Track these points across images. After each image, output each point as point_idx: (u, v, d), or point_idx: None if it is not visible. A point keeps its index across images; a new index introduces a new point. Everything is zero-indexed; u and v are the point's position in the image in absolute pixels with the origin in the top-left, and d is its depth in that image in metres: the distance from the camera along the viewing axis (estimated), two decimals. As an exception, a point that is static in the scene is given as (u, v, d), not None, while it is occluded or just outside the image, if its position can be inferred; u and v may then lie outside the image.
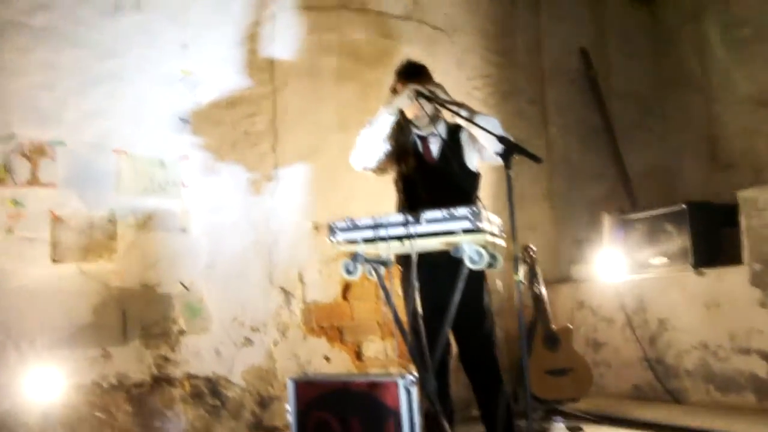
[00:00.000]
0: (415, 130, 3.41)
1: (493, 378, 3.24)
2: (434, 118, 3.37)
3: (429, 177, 3.33)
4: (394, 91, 3.42)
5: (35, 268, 3.87)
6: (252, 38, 4.61)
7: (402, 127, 3.40)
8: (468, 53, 5.37)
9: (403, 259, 3.32)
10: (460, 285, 2.74)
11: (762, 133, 5.29)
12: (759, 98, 5.32)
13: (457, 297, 2.77)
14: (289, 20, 4.74)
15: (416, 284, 2.98)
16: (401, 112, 3.33)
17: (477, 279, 2.94)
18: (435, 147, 3.41)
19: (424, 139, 3.42)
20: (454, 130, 3.39)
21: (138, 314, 4.11)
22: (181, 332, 4.20)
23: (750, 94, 5.38)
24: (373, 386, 2.27)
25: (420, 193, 3.28)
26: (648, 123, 6.11)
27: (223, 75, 4.48)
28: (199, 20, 4.43)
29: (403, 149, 3.39)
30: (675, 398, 4.48)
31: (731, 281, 4.22)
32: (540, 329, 4.41)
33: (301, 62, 4.75)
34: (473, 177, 3.40)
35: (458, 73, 5.29)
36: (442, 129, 3.38)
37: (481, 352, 3.17)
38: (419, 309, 2.99)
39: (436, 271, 2.88)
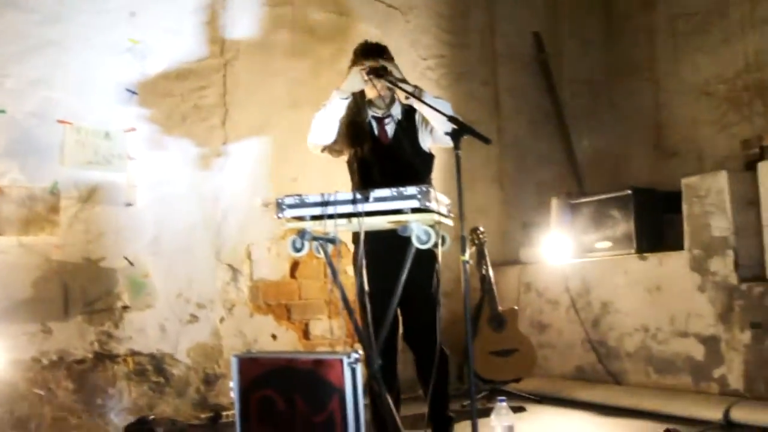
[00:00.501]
0: (371, 112, 3.38)
1: (436, 355, 3.26)
2: (391, 100, 3.34)
3: (383, 159, 3.30)
4: (382, 65, 3.26)
5: (-27, 240, 3.76)
6: (204, 9, 4.52)
7: (359, 108, 3.36)
8: (422, 33, 5.36)
9: (355, 237, 3.31)
10: (408, 264, 2.75)
11: (705, 123, 5.41)
12: (703, 88, 5.43)
13: (404, 276, 2.77)
14: (242, -8, 4.65)
15: (365, 262, 2.99)
16: (359, 93, 3.29)
17: (428, 258, 2.93)
18: (390, 128, 3.38)
19: (380, 121, 3.39)
20: (408, 112, 3.37)
21: (80, 289, 4.03)
22: (125, 308, 4.14)
23: (695, 83, 5.49)
24: (318, 364, 2.27)
25: (374, 175, 3.26)
26: (597, 109, 6.19)
27: (172, 46, 4.39)
28: (149, -12, 4.32)
29: (359, 130, 3.35)
30: (616, 379, 4.58)
31: (672, 266, 4.32)
32: (486, 310, 4.46)
33: (254, 36, 4.68)
34: (427, 158, 3.39)
35: (412, 53, 5.28)
36: (397, 110, 3.36)
37: (427, 331, 3.17)
38: (367, 287, 2.99)
39: (386, 250, 2.86)
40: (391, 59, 3.28)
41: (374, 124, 3.38)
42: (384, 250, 2.89)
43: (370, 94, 3.28)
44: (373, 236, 2.89)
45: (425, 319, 3.15)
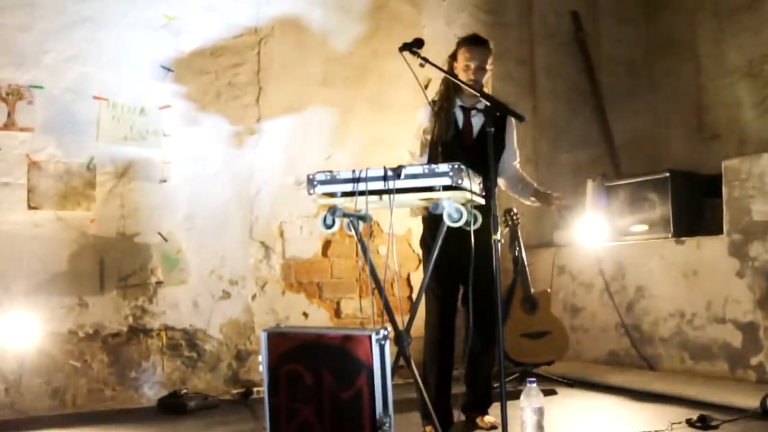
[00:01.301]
0: (458, 101, 3.36)
1: (488, 341, 3.31)
2: (480, 89, 3.31)
3: (463, 156, 3.27)
4: (453, 57, 3.37)
5: (11, 214, 3.84)
6: (238, -14, 4.52)
7: (449, 94, 3.36)
8: (458, 11, 5.29)
9: (424, 219, 3.34)
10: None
11: (748, 105, 5.27)
12: (747, 69, 5.29)
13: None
14: (277, -31, 4.64)
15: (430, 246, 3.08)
16: (450, 80, 3.28)
17: (490, 247, 2.89)
18: (477, 123, 3.36)
19: (466, 111, 3.37)
20: (500, 118, 3.31)
21: (116, 264, 4.09)
22: (159, 283, 4.19)
23: (738, 64, 5.35)
24: (346, 339, 2.26)
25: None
26: (636, 90, 6.06)
27: (207, 22, 4.40)
28: (185, -36, 4.33)
29: (446, 117, 3.35)
30: (649, 365, 4.53)
31: (710, 251, 4.23)
32: (519, 292, 4.42)
33: (289, 13, 4.67)
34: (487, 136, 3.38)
35: (447, 31, 5.21)
36: (483, 107, 3.33)
37: (489, 315, 3.15)
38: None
39: (458, 235, 2.83)
40: (490, 53, 3.36)
41: (460, 114, 3.35)
42: (449, 235, 2.83)
43: (464, 76, 3.27)
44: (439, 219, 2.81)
45: (488, 303, 3.10)
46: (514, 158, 3.52)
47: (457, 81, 3.18)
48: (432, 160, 3.37)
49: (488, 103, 2.85)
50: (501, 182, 3.56)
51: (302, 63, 4.68)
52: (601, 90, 5.80)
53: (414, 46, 3.07)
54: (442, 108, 3.36)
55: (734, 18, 5.39)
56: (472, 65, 3.27)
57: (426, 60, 3.04)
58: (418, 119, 3.42)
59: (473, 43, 3.35)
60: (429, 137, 3.38)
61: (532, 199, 3.51)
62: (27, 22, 3.91)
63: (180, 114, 4.29)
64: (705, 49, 5.63)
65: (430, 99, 3.38)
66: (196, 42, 4.37)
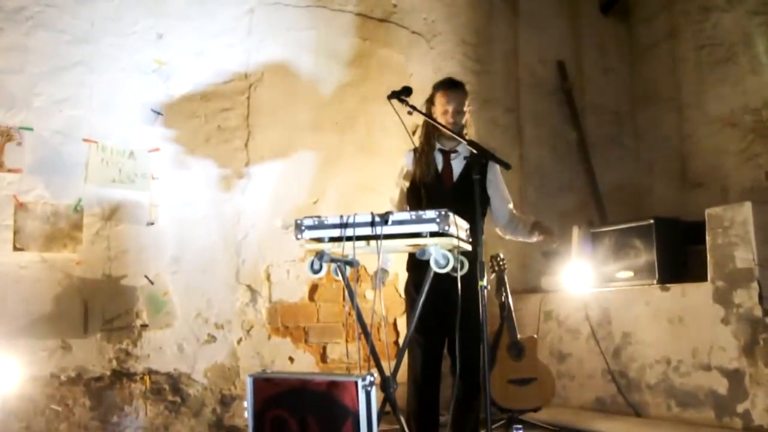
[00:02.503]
0: (438, 144, 3.40)
1: (474, 388, 3.28)
2: (459, 131, 3.35)
3: (441, 200, 3.28)
4: (430, 101, 3.44)
5: (-4, 255, 3.81)
6: (229, 32, 4.58)
7: (429, 137, 3.40)
8: (446, 59, 5.37)
9: (409, 264, 3.33)
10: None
11: (730, 153, 5.36)
12: (729, 119, 5.39)
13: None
14: (267, 16, 4.71)
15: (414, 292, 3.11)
16: (430, 124, 3.33)
17: (477, 295, 2.88)
18: (457, 165, 3.40)
19: (446, 155, 3.41)
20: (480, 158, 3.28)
21: (100, 306, 4.06)
22: (144, 326, 4.15)
23: (720, 114, 5.45)
24: (332, 386, 2.25)
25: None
26: (621, 138, 6.16)
27: (197, 68, 4.44)
28: (176, 11, 4.40)
29: (425, 160, 3.38)
30: (636, 412, 4.50)
31: (695, 297, 4.25)
32: (505, 338, 4.41)
33: (278, 59, 4.73)
34: (487, 202, 3.45)
35: (435, 78, 5.21)
36: (464, 149, 3.36)
37: (473, 368, 3.13)
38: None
39: (437, 282, 2.82)
40: (465, 96, 3.45)
41: (440, 158, 3.39)
42: (434, 282, 2.82)
43: (443, 119, 3.32)
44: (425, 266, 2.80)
45: (473, 351, 3.08)
46: (505, 203, 3.54)
47: (438, 125, 3.23)
48: (412, 203, 3.39)
49: (474, 150, 2.89)
50: (500, 230, 3.59)
51: (291, 108, 4.72)
52: (586, 138, 5.88)
53: (402, 94, 3.12)
54: (422, 152, 3.41)
55: (715, 69, 5.52)
56: (450, 109, 3.34)
57: (414, 108, 3.09)
58: (400, 165, 3.47)
59: (449, 86, 3.43)
60: (406, 183, 3.42)
61: (536, 234, 3.51)
62: (19, 65, 3.95)
63: (169, 157, 4.30)
64: (687, 99, 5.75)
65: (415, 146, 3.44)
66: (187, 86, 4.41)
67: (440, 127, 3.24)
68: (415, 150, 3.45)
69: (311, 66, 4.84)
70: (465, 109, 3.41)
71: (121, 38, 4.23)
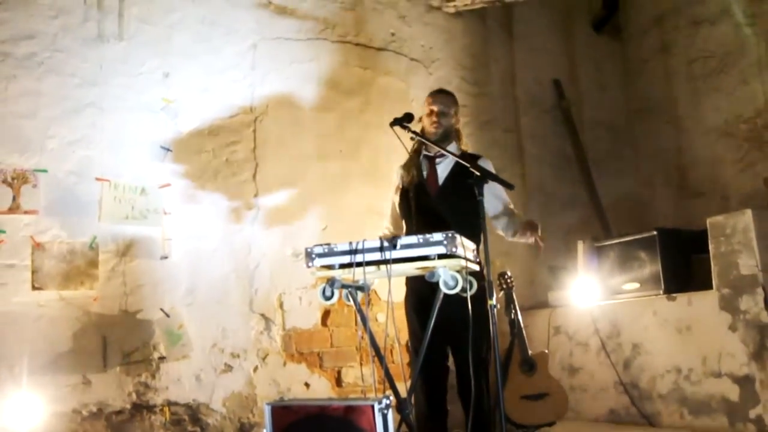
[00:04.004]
0: (424, 151, 3.44)
1: (482, 401, 3.25)
2: (446, 135, 3.39)
3: (431, 200, 3.31)
4: (406, 113, 3.47)
5: (16, 295, 3.83)
6: (233, 68, 4.63)
7: (418, 146, 3.44)
8: (445, 84, 5.37)
9: (411, 283, 3.34)
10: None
11: (727, 162, 5.37)
12: (724, 129, 5.41)
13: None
14: (269, 50, 4.76)
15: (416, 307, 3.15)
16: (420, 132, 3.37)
17: (483, 317, 2.84)
18: (442, 170, 3.41)
19: (431, 160, 3.42)
20: (470, 158, 3.32)
21: (118, 341, 4.06)
22: (162, 359, 4.15)
23: (715, 124, 5.47)
24: (349, 410, 2.25)
25: (412, 221, 3.30)
26: (620, 152, 6.18)
27: (204, 104, 4.49)
28: (181, 50, 4.45)
29: (411, 167, 3.42)
30: (650, 422, 4.47)
31: (701, 306, 4.24)
32: (516, 354, 4.40)
33: (282, 92, 4.77)
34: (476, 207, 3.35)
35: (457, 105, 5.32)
36: (453, 148, 3.41)
37: (476, 377, 3.11)
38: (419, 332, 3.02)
39: (436, 297, 2.80)
40: (452, 101, 3.52)
41: (425, 163, 3.41)
42: (432, 296, 2.80)
43: (428, 127, 3.41)
44: (425, 281, 2.79)
45: (473, 375, 3.06)
46: (501, 204, 3.56)
47: (424, 140, 3.27)
48: (403, 211, 3.42)
49: (460, 160, 2.93)
50: (497, 229, 3.62)
51: (297, 138, 4.76)
52: (585, 154, 5.90)
53: (404, 120, 3.16)
54: (409, 160, 3.48)
55: (708, 81, 5.54)
56: (435, 109, 3.42)
57: (416, 133, 3.13)
58: (393, 181, 3.50)
59: (435, 92, 3.57)
60: (396, 196, 3.45)
61: (518, 233, 3.51)
62: (32, 110, 3.99)
63: (180, 192, 4.33)
64: (683, 111, 5.77)
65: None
66: (194, 122, 4.45)
67: (427, 142, 3.29)
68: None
69: (314, 97, 4.88)
70: (452, 113, 3.48)
71: (129, 79, 4.28)
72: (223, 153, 4.52)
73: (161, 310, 4.18)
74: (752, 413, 3.91)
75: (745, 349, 3.96)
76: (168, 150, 4.32)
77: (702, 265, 4.34)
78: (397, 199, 3.46)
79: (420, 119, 3.52)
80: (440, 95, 3.51)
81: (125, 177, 4.17)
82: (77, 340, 3.94)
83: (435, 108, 3.40)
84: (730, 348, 4.04)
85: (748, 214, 4.02)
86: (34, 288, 3.87)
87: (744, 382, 3.97)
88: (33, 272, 3.88)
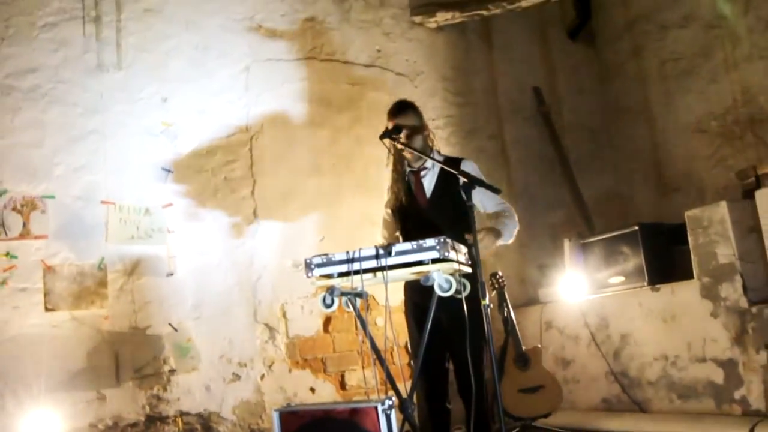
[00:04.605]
0: (407, 167, 3.42)
1: (481, 398, 3.23)
2: (424, 149, 3.35)
3: (419, 219, 3.29)
4: (386, 129, 3.37)
5: (30, 318, 3.84)
6: (228, 90, 4.65)
7: (400, 160, 3.42)
8: (430, 96, 5.44)
9: (406, 286, 3.33)
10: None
11: (702, 158, 5.41)
12: (697, 126, 5.45)
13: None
14: (262, 72, 4.79)
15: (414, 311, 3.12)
16: (395, 151, 3.35)
17: (476, 314, 2.83)
18: (428, 182, 3.38)
19: (416, 174, 3.41)
20: (453, 162, 3.31)
21: (130, 356, 4.07)
22: (172, 371, 4.16)
23: (689, 122, 5.51)
24: (354, 413, 2.26)
25: (411, 231, 3.28)
26: (599, 153, 6.21)
27: (201, 125, 4.51)
28: (177, 75, 4.47)
29: (399, 183, 3.39)
30: (641, 408, 4.49)
31: (684, 295, 4.26)
32: (511, 350, 4.42)
33: (276, 110, 4.79)
34: (466, 211, 3.15)
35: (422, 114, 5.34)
36: (438, 158, 3.34)
37: (470, 383, 3.09)
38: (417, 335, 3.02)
39: (433, 300, 2.80)
40: (413, 115, 3.38)
41: (411, 178, 3.40)
42: (431, 302, 2.80)
43: (406, 154, 3.33)
44: (422, 287, 2.76)
45: (473, 373, 3.04)
46: (492, 201, 3.42)
47: (412, 150, 3.25)
48: (400, 226, 3.41)
49: (448, 168, 2.94)
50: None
51: (292, 154, 4.78)
52: (567, 156, 5.92)
53: (393, 133, 3.17)
54: (394, 179, 3.43)
55: (679, 81, 5.59)
56: (402, 134, 3.29)
57: (405, 145, 3.14)
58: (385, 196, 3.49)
59: (393, 113, 3.39)
60: (388, 209, 3.44)
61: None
62: (38, 139, 4.01)
63: (182, 211, 4.35)
64: (657, 110, 5.81)
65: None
66: (193, 143, 4.46)
67: (414, 150, 3.26)
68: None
69: (307, 114, 4.90)
70: (417, 124, 3.35)
71: (129, 105, 4.30)
72: (222, 171, 4.54)
73: (170, 324, 4.19)
74: (737, 394, 3.93)
75: (727, 334, 3.99)
76: (169, 171, 4.34)
77: (683, 257, 4.37)
78: (388, 212, 3.46)
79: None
80: (400, 116, 3.35)
81: (129, 199, 4.18)
82: (90, 358, 3.94)
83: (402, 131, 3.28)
84: (713, 334, 4.07)
85: (723, 206, 4.05)
86: (47, 310, 3.88)
87: (728, 365, 3.99)
88: (45, 294, 3.89)
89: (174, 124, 4.41)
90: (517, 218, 3.46)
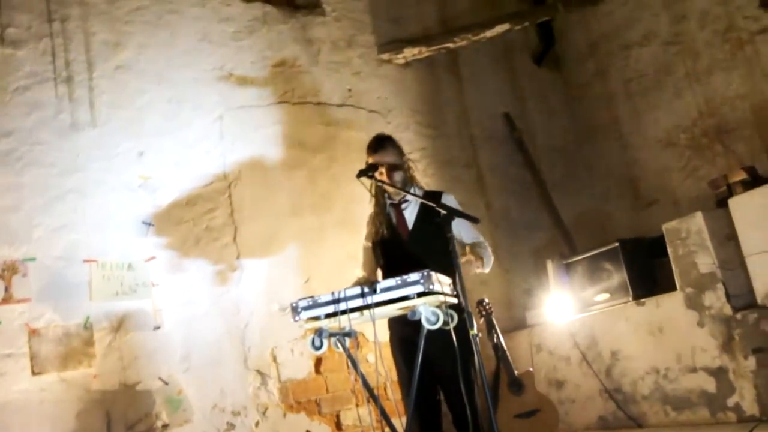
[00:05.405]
0: (388, 200, 3.42)
1: (477, 428, 3.19)
2: (403, 184, 3.34)
3: (401, 253, 3.28)
4: (367, 164, 3.38)
5: (17, 383, 3.76)
6: (203, 140, 4.66)
7: (381, 194, 3.41)
8: (403, 130, 5.48)
9: (390, 323, 3.30)
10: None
11: (674, 170, 5.50)
12: (666, 139, 5.55)
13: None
14: (235, 119, 4.81)
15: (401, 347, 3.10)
16: (376, 185, 3.35)
17: (465, 345, 2.81)
18: (409, 214, 3.36)
19: (396, 207, 3.40)
20: (433, 196, 3.32)
21: (121, 414, 3.99)
22: (165, 426, 4.08)
23: (658, 136, 5.61)
24: (351, 453, 2.23)
25: (395, 266, 3.25)
26: (574, 173, 6.29)
27: (179, 176, 4.50)
28: (152, 129, 4.48)
29: (380, 217, 3.38)
30: (637, 423, 4.48)
31: (669, 307, 4.29)
32: (504, 376, 4.40)
33: (252, 156, 4.80)
34: (448, 242, 3.11)
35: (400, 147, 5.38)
36: (416, 191, 3.34)
37: (465, 417, 3.06)
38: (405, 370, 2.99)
39: (420, 335, 2.78)
40: (390, 149, 3.37)
41: (392, 212, 3.40)
42: (417, 335, 2.78)
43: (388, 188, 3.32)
44: (406, 321, 2.74)
45: (465, 405, 3.01)
46: (467, 235, 3.41)
47: (386, 184, 3.25)
48: (378, 261, 3.39)
49: (427, 202, 2.94)
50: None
51: (271, 198, 4.78)
52: (543, 178, 5.99)
53: (369, 171, 3.19)
54: (375, 213, 3.42)
55: (645, 98, 5.70)
56: (382, 169, 3.31)
57: (381, 182, 3.16)
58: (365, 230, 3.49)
59: (372, 149, 3.39)
60: (368, 243, 3.42)
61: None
62: (16, 202, 3.97)
63: (165, 263, 4.31)
64: (626, 127, 5.91)
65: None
66: (172, 195, 4.45)
67: (393, 186, 3.26)
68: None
69: (283, 157, 4.92)
70: (396, 162, 3.35)
71: (106, 162, 4.29)
72: (203, 221, 4.52)
73: (160, 378, 4.13)
74: (730, 402, 3.95)
75: (715, 343, 4.02)
76: (150, 224, 4.31)
77: (664, 269, 4.42)
78: (369, 245, 3.44)
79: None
80: (379, 153, 3.35)
81: (112, 255, 4.14)
82: (81, 419, 3.86)
83: (382, 169, 3.30)
84: (701, 343, 4.09)
85: (699, 216, 4.11)
86: (34, 373, 3.80)
87: (718, 373, 4.01)
88: (31, 358, 3.81)
89: (152, 178, 4.40)
90: (491, 251, 3.46)
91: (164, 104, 4.57)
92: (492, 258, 3.44)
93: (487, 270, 3.44)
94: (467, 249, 3.37)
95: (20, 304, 3.85)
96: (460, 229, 3.31)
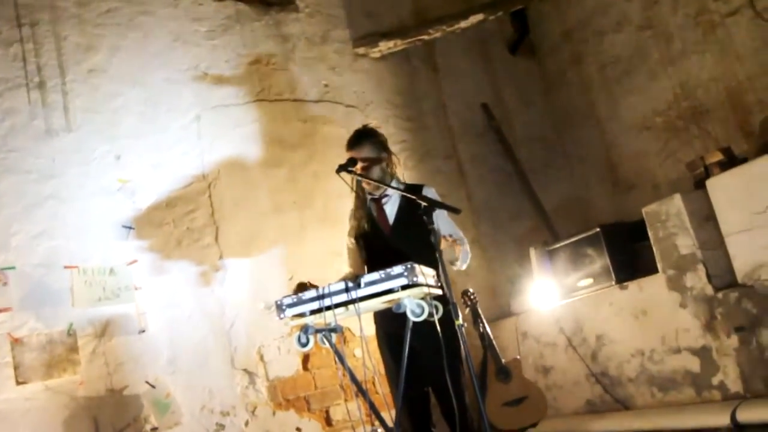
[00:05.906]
0: (368, 195, 3.40)
1: (466, 418, 3.21)
2: (383, 179, 3.32)
3: (383, 248, 3.27)
4: (349, 158, 3.34)
5: (1, 394, 3.71)
6: (180, 142, 4.62)
7: (362, 190, 3.40)
8: (382, 124, 5.45)
9: (375, 317, 3.30)
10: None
11: (652, 154, 5.54)
12: (643, 124, 5.58)
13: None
14: (212, 119, 4.77)
15: (387, 341, 3.08)
16: (357, 181, 3.34)
17: (451, 336, 2.82)
18: (390, 210, 3.35)
19: (377, 202, 3.39)
20: (414, 189, 3.31)
21: (109, 420, 3.96)
22: (154, 429, 4.06)
23: (635, 121, 5.64)
24: (341, 448, 2.23)
25: (375, 261, 3.25)
26: (553, 161, 6.31)
27: (158, 178, 4.46)
28: (129, 132, 4.44)
29: (362, 212, 3.37)
30: (624, 405, 4.52)
31: (652, 290, 4.33)
32: (491, 365, 4.42)
33: (231, 155, 4.77)
34: (429, 234, 3.06)
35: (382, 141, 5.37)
36: (394, 184, 3.32)
37: (457, 396, 3.07)
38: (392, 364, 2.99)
39: (406, 328, 2.77)
40: (369, 144, 3.34)
41: (373, 206, 3.39)
42: (403, 329, 2.78)
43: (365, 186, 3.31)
44: (391, 315, 2.75)
45: (454, 396, 3.01)
46: (446, 229, 3.34)
47: (370, 180, 3.24)
48: (362, 256, 3.38)
49: (409, 195, 2.94)
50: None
51: (251, 197, 4.75)
52: (523, 167, 6.01)
53: (349, 166, 3.18)
54: (356, 208, 3.41)
55: (621, 83, 5.74)
56: (362, 164, 3.29)
57: (361, 176, 3.15)
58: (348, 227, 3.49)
59: (349, 145, 3.37)
60: (351, 239, 3.42)
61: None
62: (-8, 211, 3.93)
63: (147, 266, 4.28)
64: (603, 113, 5.94)
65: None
66: (151, 198, 4.41)
67: (372, 180, 3.25)
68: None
69: (262, 155, 4.89)
70: (374, 156, 3.33)
71: (83, 166, 4.24)
72: (184, 222, 4.49)
73: (147, 382, 4.10)
74: (714, 380, 3.99)
75: (697, 323, 4.05)
76: (130, 228, 4.28)
77: (646, 252, 4.44)
78: (352, 241, 3.44)
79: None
80: (356, 148, 3.32)
81: (93, 260, 4.10)
82: (68, 427, 3.83)
83: (360, 164, 3.27)
84: (684, 324, 4.13)
85: (678, 198, 4.14)
86: (18, 383, 3.76)
87: (702, 353, 4.05)
88: (15, 368, 3.77)
89: (130, 181, 4.36)
90: (469, 248, 3.43)
91: (140, 106, 4.53)
92: (469, 254, 3.42)
93: (464, 267, 3.41)
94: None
95: (2, 313, 3.80)
96: (440, 225, 3.31)
